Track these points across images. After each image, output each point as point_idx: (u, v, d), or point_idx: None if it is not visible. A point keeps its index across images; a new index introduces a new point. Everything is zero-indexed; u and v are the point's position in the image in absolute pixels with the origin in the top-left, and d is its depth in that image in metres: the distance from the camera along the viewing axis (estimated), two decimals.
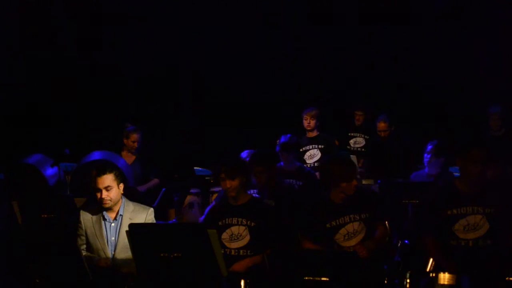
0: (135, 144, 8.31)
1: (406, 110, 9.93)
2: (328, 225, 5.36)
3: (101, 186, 5.46)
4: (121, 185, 5.54)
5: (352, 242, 5.30)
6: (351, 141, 9.22)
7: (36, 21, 10.38)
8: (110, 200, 5.49)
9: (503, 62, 9.34)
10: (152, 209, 5.66)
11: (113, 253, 5.49)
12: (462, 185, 5.10)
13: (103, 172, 5.47)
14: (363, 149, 9.18)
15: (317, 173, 8.33)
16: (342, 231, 5.34)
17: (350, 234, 5.32)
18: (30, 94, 10.34)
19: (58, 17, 10.40)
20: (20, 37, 10.36)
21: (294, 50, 10.41)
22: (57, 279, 4.80)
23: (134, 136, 8.33)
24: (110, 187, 5.46)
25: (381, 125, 8.83)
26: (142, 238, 4.64)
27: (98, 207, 5.54)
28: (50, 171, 8.05)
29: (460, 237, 4.99)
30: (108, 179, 5.46)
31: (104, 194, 5.46)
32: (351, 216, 5.33)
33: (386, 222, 5.51)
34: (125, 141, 8.36)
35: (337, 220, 5.35)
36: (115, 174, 5.50)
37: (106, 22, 10.44)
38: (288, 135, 7.93)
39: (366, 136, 9.26)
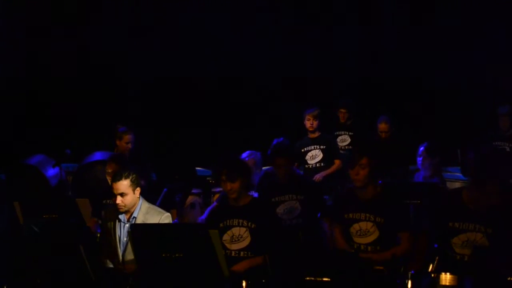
0: (129, 145, 8.10)
1: (407, 109, 9.93)
2: (346, 216, 5.39)
3: (115, 192, 5.48)
4: (138, 190, 5.55)
5: (363, 241, 5.31)
6: (338, 140, 9.18)
7: (37, 21, 10.39)
8: (124, 206, 5.52)
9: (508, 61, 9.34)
10: (168, 214, 5.66)
11: (123, 253, 5.53)
12: (470, 201, 4.93)
13: (119, 178, 5.48)
14: (349, 147, 9.15)
15: (318, 174, 8.38)
16: (356, 226, 5.35)
17: (362, 231, 5.33)
18: (31, 94, 10.34)
19: (58, 17, 10.41)
20: (21, 37, 10.36)
21: (294, 50, 10.40)
22: (59, 279, 4.80)
23: (128, 137, 8.11)
24: (125, 194, 5.48)
25: (382, 126, 8.79)
26: (144, 239, 4.64)
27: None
28: (51, 172, 8.06)
29: (456, 251, 4.93)
30: (122, 186, 5.47)
31: (119, 200, 5.49)
32: (367, 215, 5.33)
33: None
34: (118, 142, 8.15)
35: (354, 214, 5.37)
36: (131, 180, 5.49)
37: (107, 22, 10.44)
38: (281, 139, 7.95)
39: (350, 133, 9.21)
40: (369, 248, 5.30)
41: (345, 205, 5.44)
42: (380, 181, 7.39)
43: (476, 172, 4.89)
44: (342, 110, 9.21)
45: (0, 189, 7.80)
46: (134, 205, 5.56)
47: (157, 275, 4.59)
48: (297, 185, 6.54)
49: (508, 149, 8.42)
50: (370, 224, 5.32)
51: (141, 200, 5.62)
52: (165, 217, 5.62)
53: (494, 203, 4.85)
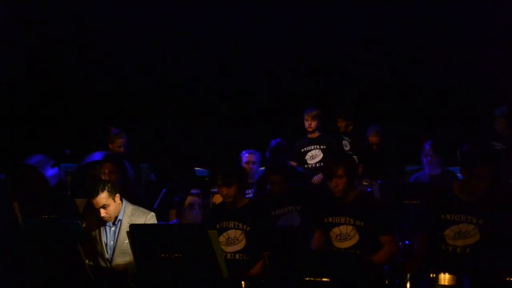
0: (121, 149, 8.03)
1: (401, 109, 9.94)
2: (325, 220, 5.37)
3: (97, 206, 5.45)
4: (117, 196, 5.50)
5: (344, 245, 5.26)
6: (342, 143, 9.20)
7: (37, 21, 10.39)
8: (110, 217, 5.50)
9: (506, 62, 9.34)
10: (152, 213, 5.65)
11: (111, 257, 5.51)
12: (461, 192, 5.05)
13: (96, 193, 5.42)
14: (350, 152, 9.10)
15: (317, 176, 8.37)
16: (336, 230, 5.31)
17: (342, 235, 5.28)
18: (30, 94, 10.33)
19: (59, 18, 10.41)
20: (21, 37, 10.36)
21: (292, 50, 10.40)
22: (58, 279, 4.79)
23: (120, 141, 8.04)
24: (107, 205, 5.45)
25: (373, 138, 8.66)
26: (143, 239, 4.64)
27: None
28: (50, 172, 8.06)
29: (449, 243, 4.98)
30: (102, 199, 5.43)
31: (103, 212, 5.45)
32: (347, 218, 5.29)
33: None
34: (110, 146, 8.08)
35: (333, 218, 5.34)
36: (108, 190, 5.44)
37: (107, 23, 10.44)
38: (278, 139, 7.95)
39: (349, 140, 9.11)
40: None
41: (324, 209, 5.41)
42: (379, 181, 7.44)
43: (465, 158, 5.00)
44: (340, 120, 9.16)
45: (0, 189, 7.81)
46: (118, 211, 5.53)
47: (156, 276, 4.58)
48: (293, 195, 6.50)
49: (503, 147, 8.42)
50: (350, 227, 5.27)
51: (124, 202, 5.59)
52: (150, 217, 5.59)
53: (483, 188, 4.92)
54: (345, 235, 5.28)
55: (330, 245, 5.33)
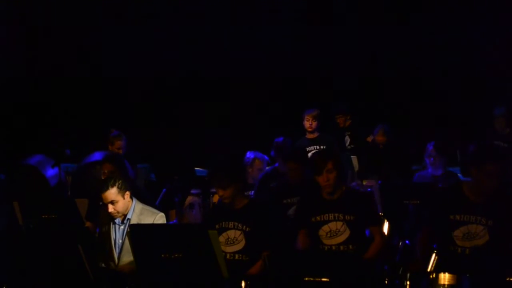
0: (120, 151, 8.10)
1: (405, 110, 9.94)
2: (313, 219, 5.38)
3: (105, 201, 5.50)
4: (127, 194, 5.55)
5: (335, 241, 5.30)
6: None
7: (37, 21, 10.40)
8: (118, 213, 5.54)
9: (505, 61, 9.34)
10: (162, 214, 5.67)
11: (118, 255, 5.54)
12: (470, 192, 4.99)
13: (106, 187, 5.48)
14: (351, 146, 9.20)
15: None
16: (325, 228, 5.33)
17: (332, 232, 5.31)
18: (30, 94, 10.34)
19: (59, 17, 10.41)
20: (20, 37, 10.37)
21: (292, 49, 10.41)
22: (58, 279, 4.79)
23: (119, 143, 8.14)
24: (115, 201, 5.49)
25: (380, 138, 8.67)
26: (143, 239, 4.64)
27: None
28: (51, 172, 8.06)
29: (458, 244, 4.94)
30: (111, 194, 5.47)
31: (111, 208, 5.49)
32: (335, 214, 5.33)
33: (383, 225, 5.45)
34: (110, 147, 8.16)
35: (321, 216, 5.36)
36: (118, 187, 5.49)
37: (107, 23, 10.45)
38: (281, 138, 7.96)
39: (347, 132, 9.25)
40: (341, 247, 5.29)
41: (310, 209, 5.43)
42: (379, 181, 7.43)
43: (473, 156, 4.95)
44: (338, 116, 9.26)
45: (0, 189, 7.81)
46: (127, 208, 5.57)
47: (156, 276, 4.59)
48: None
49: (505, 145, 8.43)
50: (340, 223, 5.31)
51: (134, 201, 5.62)
52: (159, 217, 5.62)
53: (492, 187, 4.89)
54: (335, 232, 5.31)
55: (319, 243, 5.34)
